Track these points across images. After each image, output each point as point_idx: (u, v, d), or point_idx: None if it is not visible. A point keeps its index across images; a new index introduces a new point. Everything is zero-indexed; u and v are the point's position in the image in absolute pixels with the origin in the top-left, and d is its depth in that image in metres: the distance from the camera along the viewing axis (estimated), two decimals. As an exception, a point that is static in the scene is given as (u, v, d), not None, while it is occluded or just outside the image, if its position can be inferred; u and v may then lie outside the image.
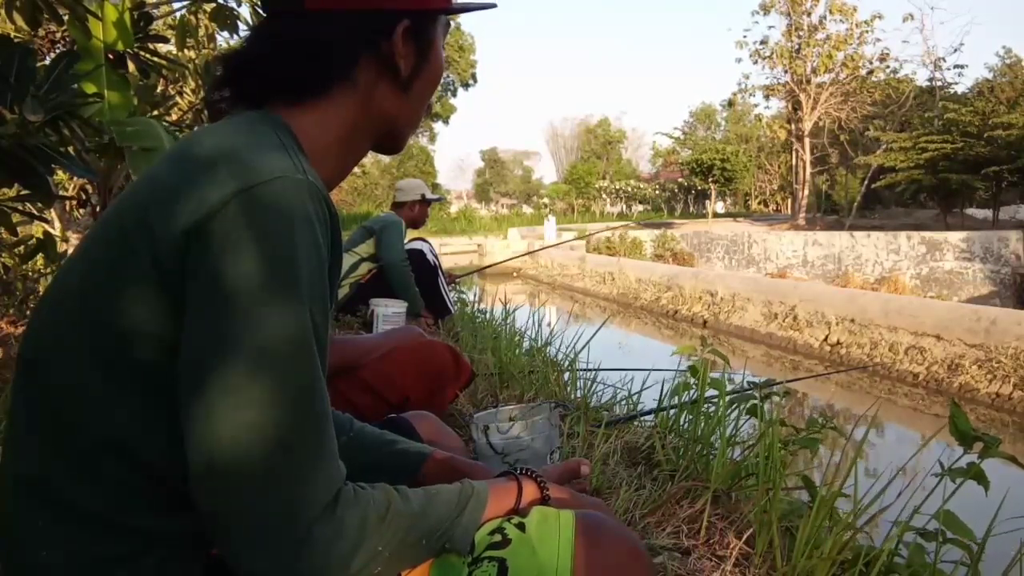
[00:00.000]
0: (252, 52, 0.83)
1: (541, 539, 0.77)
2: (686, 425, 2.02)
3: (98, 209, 2.92)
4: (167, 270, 0.67)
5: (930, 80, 31.29)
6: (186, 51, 4.06)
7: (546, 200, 45.36)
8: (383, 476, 0.95)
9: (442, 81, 0.93)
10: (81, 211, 3.96)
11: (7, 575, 0.72)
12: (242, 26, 3.00)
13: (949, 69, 32.89)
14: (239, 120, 0.79)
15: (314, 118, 0.82)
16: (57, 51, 3.44)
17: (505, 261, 9.90)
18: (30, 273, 3.50)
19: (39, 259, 3.14)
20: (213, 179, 0.68)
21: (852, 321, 8.66)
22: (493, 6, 0.94)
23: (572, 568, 0.75)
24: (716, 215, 36.05)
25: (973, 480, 1.32)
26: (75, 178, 3.57)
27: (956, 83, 31.34)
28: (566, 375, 2.76)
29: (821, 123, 30.98)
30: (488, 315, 4.73)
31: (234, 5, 2.96)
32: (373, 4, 0.82)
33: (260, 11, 2.86)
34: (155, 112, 2.89)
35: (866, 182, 29.56)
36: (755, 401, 1.79)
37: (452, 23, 0.90)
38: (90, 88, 2.27)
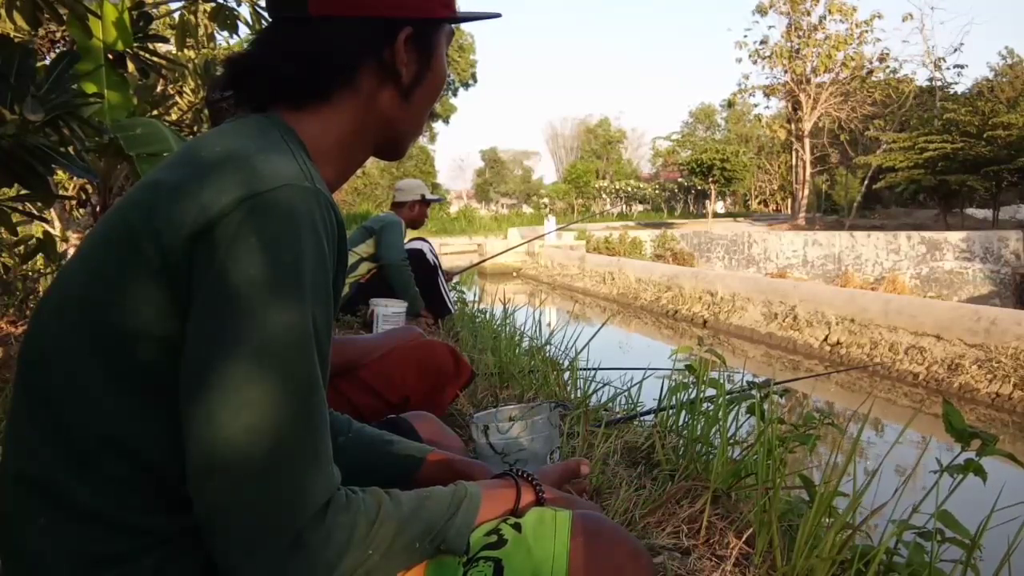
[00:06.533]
0: (256, 56, 0.84)
1: (537, 539, 0.77)
2: (685, 425, 2.02)
3: (98, 209, 2.92)
4: (173, 272, 0.67)
5: (930, 80, 31.35)
6: (186, 51, 4.06)
7: (546, 200, 45.34)
8: (381, 476, 0.96)
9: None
10: (81, 211, 3.96)
11: (7, 573, 0.72)
12: (242, 26, 3.01)
13: (949, 69, 32.99)
14: (245, 123, 0.79)
15: (316, 122, 0.82)
16: (57, 51, 3.45)
17: (503, 252, 9.84)
18: (30, 273, 3.50)
19: (39, 259, 3.14)
20: (221, 183, 0.68)
21: (852, 321, 8.66)
22: (497, 16, 0.95)
23: (568, 568, 0.75)
24: (716, 215, 36.05)
25: (974, 474, 1.33)
26: (75, 178, 3.57)
27: (956, 83, 31.42)
28: (566, 375, 2.75)
29: (821, 123, 31.02)
30: (488, 315, 4.73)
31: (234, 5, 2.96)
32: (376, 11, 0.82)
33: (260, 11, 2.87)
34: (155, 112, 2.89)
35: (866, 182, 29.58)
36: (754, 400, 1.79)
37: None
38: (90, 88, 2.27)
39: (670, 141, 49.56)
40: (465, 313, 4.78)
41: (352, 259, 4.01)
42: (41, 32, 3.38)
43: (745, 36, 37.84)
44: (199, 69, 3.37)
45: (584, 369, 2.74)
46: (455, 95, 36.81)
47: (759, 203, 46.07)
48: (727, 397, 1.86)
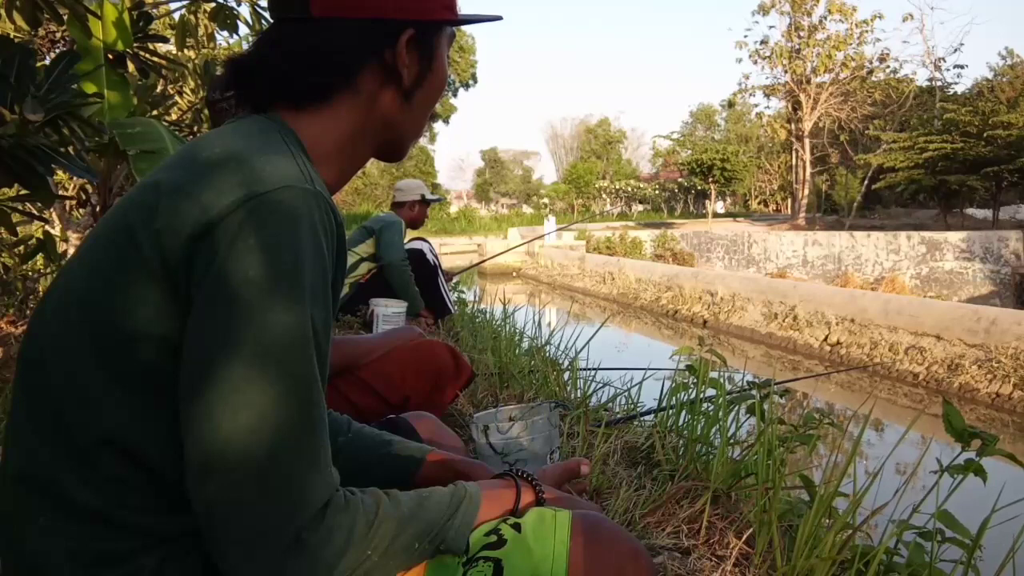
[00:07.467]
0: (257, 56, 0.84)
1: (537, 539, 0.77)
2: (685, 425, 2.02)
3: (98, 209, 2.92)
4: (173, 272, 0.67)
5: (930, 80, 31.35)
6: (186, 51, 4.06)
7: (546, 200, 45.30)
8: (381, 476, 0.96)
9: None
10: (81, 211, 3.96)
11: (7, 572, 0.72)
12: (242, 26, 3.01)
13: (949, 69, 33.01)
14: (246, 124, 0.79)
15: (317, 123, 0.82)
16: (57, 51, 3.45)
17: (503, 252, 9.87)
18: (30, 273, 3.50)
19: (39, 259, 3.14)
20: (221, 184, 0.68)
21: (852, 321, 8.66)
22: (499, 18, 0.95)
23: (568, 568, 0.75)
24: (716, 215, 36.03)
25: (974, 474, 1.33)
26: (75, 178, 3.57)
27: (956, 83, 31.43)
28: (566, 375, 2.76)
29: (821, 123, 31.00)
30: (488, 315, 4.73)
31: (234, 5, 2.96)
32: (379, 13, 0.82)
33: (260, 11, 2.87)
34: (155, 112, 2.89)
35: (866, 182, 29.57)
36: (754, 400, 1.79)
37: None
38: (90, 88, 2.27)
39: (670, 140, 49.55)
40: (465, 313, 4.78)
41: (352, 259, 4.01)
42: (41, 32, 3.38)
43: (745, 36, 37.75)
44: (199, 69, 3.37)
45: (584, 369, 2.74)
46: (455, 95, 36.81)
47: (759, 203, 46.02)
48: (727, 397, 1.86)
